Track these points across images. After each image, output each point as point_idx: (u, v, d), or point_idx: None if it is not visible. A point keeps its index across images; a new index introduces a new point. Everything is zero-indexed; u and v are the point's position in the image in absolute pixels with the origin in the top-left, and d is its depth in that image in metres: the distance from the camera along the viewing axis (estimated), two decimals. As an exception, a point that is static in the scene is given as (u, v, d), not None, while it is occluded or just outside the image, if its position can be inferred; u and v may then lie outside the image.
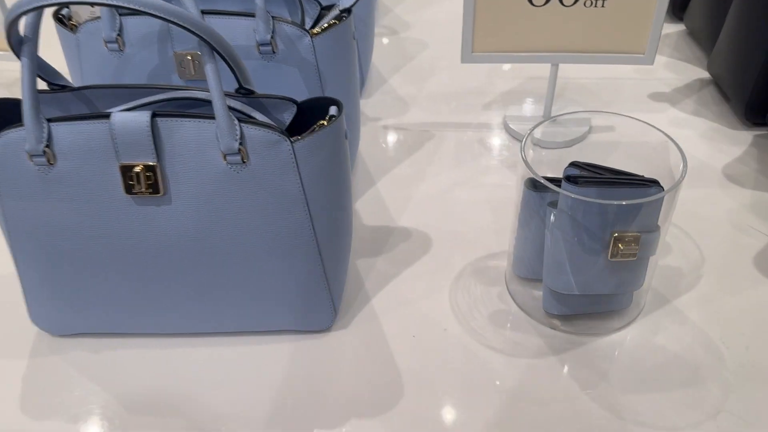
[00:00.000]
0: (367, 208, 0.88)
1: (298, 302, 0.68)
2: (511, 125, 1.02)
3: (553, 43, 0.92)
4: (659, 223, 0.64)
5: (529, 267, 0.74)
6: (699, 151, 0.96)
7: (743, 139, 0.98)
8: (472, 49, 0.94)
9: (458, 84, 1.15)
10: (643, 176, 0.68)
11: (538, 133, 0.75)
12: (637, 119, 0.70)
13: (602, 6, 0.88)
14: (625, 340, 0.69)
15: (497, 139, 1.01)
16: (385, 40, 1.30)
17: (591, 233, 0.64)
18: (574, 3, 0.88)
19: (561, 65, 0.97)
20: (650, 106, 1.07)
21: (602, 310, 0.71)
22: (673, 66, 1.17)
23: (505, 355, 0.68)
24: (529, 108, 1.06)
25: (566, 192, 0.62)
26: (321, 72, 0.78)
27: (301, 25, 0.77)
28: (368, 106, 1.08)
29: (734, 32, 1.00)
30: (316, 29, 0.77)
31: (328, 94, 0.79)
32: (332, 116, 0.61)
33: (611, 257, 0.64)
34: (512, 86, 1.14)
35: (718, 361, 0.66)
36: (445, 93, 1.13)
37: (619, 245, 0.63)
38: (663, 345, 0.69)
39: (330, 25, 0.77)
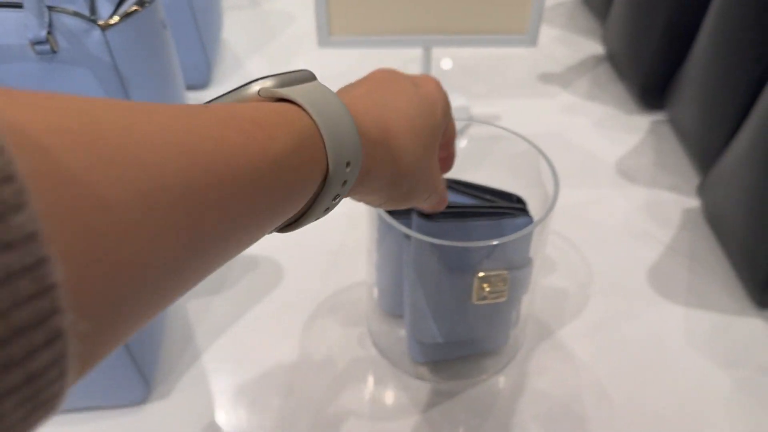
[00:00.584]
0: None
1: (99, 375, 0.54)
2: (383, 117, 0.88)
3: (423, 25, 0.79)
4: (531, 254, 0.53)
5: (393, 301, 0.62)
6: (591, 142, 0.86)
7: (640, 125, 0.88)
8: (330, 32, 0.79)
9: (328, 68, 1.00)
10: (511, 196, 0.56)
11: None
12: (506, 129, 0.57)
13: (475, -20, 0.75)
14: (503, 387, 0.59)
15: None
16: (244, 13, 1.13)
17: (452, 274, 0.52)
18: (444, -23, 0.75)
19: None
20: (540, 90, 0.95)
21: (475, 351, 0.60)
22: (566, 40, 1.06)
23: (363, 420, 0.56)
24: (404, 96, 0.92)
25: (416, 234, 0.49)
26: (120, 72, 0.62)
27: (90, 16, 0.60)
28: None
29: (628, 3, 0.89)
30: (111, 19, 0.60)
31: (135, 98, 0.63)
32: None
33: (477, 300, 0.52)
34: (389, 68, 1.00)
35: (608, 409, 0.57)
36: (311, 78, 0.98)
37: (485, 286, 0.51)
38: (545, 390, 0.59)
39: (127, 14, 0.61)
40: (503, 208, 0.54)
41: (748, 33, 0.68)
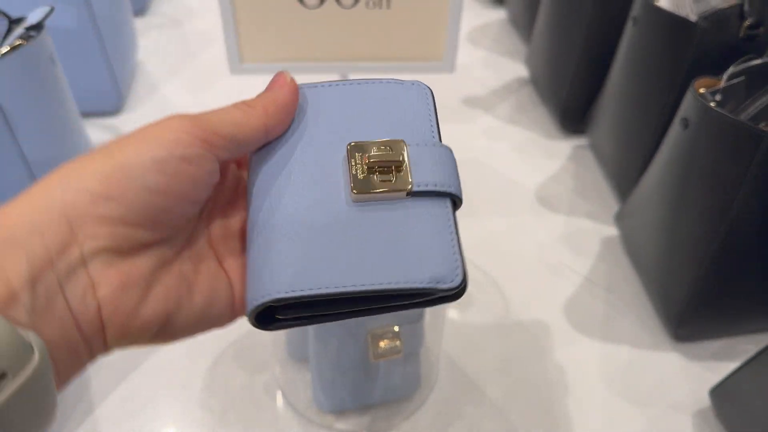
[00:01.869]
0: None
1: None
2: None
3: (338, 51, 0.76)
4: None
5: (299, 346, 0.59)
6: (511, 168, 0.85)
7: (560, 150, 0.88)
8: (240, 59, 0.76)
9: (247, 92, 0.96)
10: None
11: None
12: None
13: (387, 8, 0.72)
14: (413, 436, 0.56)
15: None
16: (164, 33, 1.09)
17: (347, 334, 0.50)
18: (355, 4, 0.72)
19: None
20: (463, 115, 0.94)
21: (386, 399, 0.58)
22: (491, 62, 1.05)
23: (263, 476, 0.53)
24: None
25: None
26: (5, 109, 0.58)
27: (-35, 50, 0.56)
28: (130, 123, 0.88)
29: (547, 26, 0.89)
30: (-8, 53, 0.56)
31: (21, 137, 0.59)
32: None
33: (374, 358, 0.50)
34: (310, 92, 0.97)
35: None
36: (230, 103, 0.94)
37: (380, 343, 0.49)
38: (457, 436, 0.56)
39: (12, 48, 0.57)
40: None
41: (659, 61, 0.68)
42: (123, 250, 0.26)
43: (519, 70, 1.03)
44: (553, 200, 0.80)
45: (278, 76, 0.33)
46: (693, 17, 0.64)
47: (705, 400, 0.59)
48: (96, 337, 0.26)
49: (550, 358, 0.63)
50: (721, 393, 0.57)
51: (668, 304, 0.64)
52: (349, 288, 0.27)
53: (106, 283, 0.26)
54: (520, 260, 0.72)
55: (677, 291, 0.62)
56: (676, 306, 0.62)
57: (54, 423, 0.25)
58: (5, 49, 0.57)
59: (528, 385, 0.60)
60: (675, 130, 0.60)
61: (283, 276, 0.27)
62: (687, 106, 0.58)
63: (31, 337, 0.23)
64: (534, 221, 0.77)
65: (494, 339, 0.64)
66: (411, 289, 0.27)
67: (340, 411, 0.57)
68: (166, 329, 0.28)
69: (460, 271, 0.27)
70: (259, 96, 0.32)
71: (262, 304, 0.27)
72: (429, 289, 0.27)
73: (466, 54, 1.04)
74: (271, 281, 0.27)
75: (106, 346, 0.27)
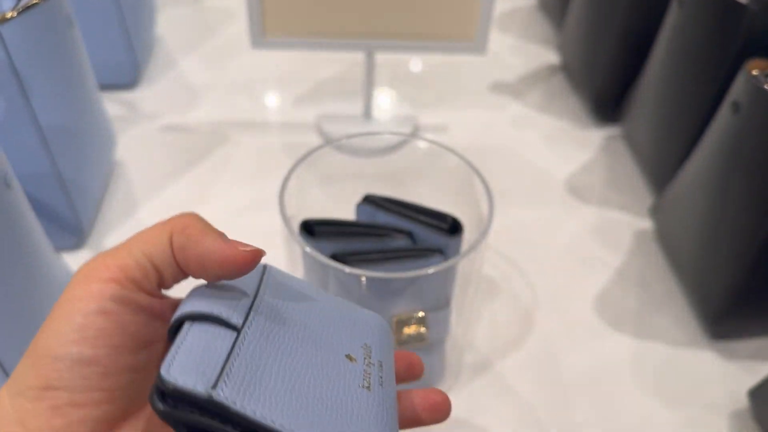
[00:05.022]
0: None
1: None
2: (324, 126, 0.83)
3: (365, 28, 0.73)
4: (456, 291, 0.49)
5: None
6: (542, 157, 0.81)
7: (593, 140, 0.84)
8: (264, 32, 0.73)
9: (266, 69, 0.94)
10: (446, 217, 0.51)
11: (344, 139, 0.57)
12: (441, 146, 0.52)
13: (419, -18, 0.70)
14: (435, 427, 0.54)
15: (309, 145, 0.82)
16: (182, 9, 1.06)
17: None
18: (385, -23, 0.69)
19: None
20: (491, 101, 0.91)
21: (409, 387, 0.55)
22: (521, 49, 1.02)
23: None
24: (346, 105, 0.87)
25: (332, 263, 0.44)
26: (18, 72, 0.55)
27: (-20, 7, 0.54)
28: (146, 98, 0.85)
29: (583, 10, 0.86)
30: (8, 13, 0.54)
31: (36, 102, 0.57)
32: None
33: (398, 345, 0.47)
34: (332, 73, 0.94)
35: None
36: (248, 81, 0.91)
37: (405, 330, 0.47)
38: (481, 429, 0.54)
39: (27, 6, 0.54)
40: (418, 249, 0.49)
41: (705, 49, 0.64)
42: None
43: (550, 56, 1.00)
44: (585, 191, 0.77)
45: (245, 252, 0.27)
46: (743, -1, 0.61)
47: (742, 401, 0.56)
48: None
49: (579, 353, 0.60)
50: (760, 394, 0.54)
51: (705, 300, 0.60)
52: None
53: None
54: (550, 252, 0.69)
55: (716, 287, 0.59)
56: (714, 302, 0.59)
57: None
58: (18, 9, 0.54)
59: (556, 379, 0.57)
60: (723, 115, 0.57)
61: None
62: (739, 89, 0.54)
63: None
64: (564, 212, 0.74)
65: (522, 331, 0.61)
66: None
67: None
68: None
69: None
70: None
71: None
72: None
73: (495, 40, 1.01)
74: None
75: None
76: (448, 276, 0.47)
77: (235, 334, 0.25)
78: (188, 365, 0.23)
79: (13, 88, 0.55)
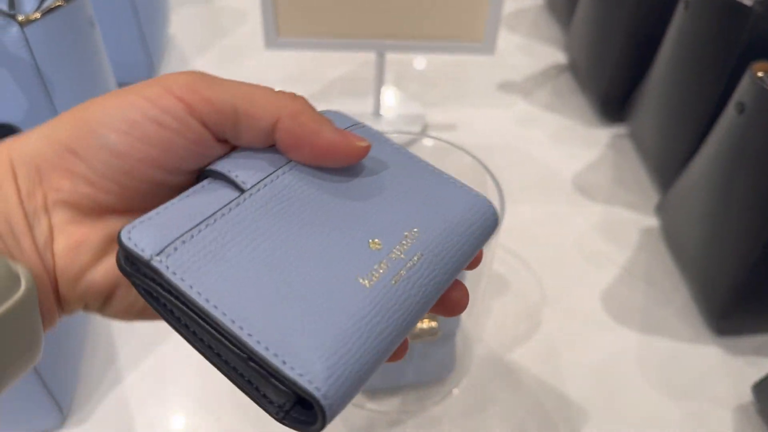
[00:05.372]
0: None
1: (7, 400, 0.49)
2: (334, 124, 0.84)
3: (376, 29, 0.75)
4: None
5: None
6: (549, 155, 0.83)
7: (600, 138, 0.86)
8: (277, 33, 0.75)
9: (278, 70, 0.95)
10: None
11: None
12: (450, 144, 0.54)
13: (429, -16, 0.71)
14: (445, 418, 0.55)
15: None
16: (195, 9, 1.07)
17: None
18: (396, -21, 0.71)
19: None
20: (499, 99, 0.92)
21: (418, 380, 0.57)
22: (528, 48, 1.03)
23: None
24: (356, 104, 0.88)
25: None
26: (42, 72, 0.57)
27: (8, 10, 0.55)
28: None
29: (590, 10, 0.87)
30: (32, 15, 0.55)
31: (58, 101, 0.58)
32: None
33: (410, 339, 0.49)
34: (342, 72, 0.96)
35: (554, 447, 0.53)
36: (259, 81, 0.92)
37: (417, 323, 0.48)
38: (489, 421, 0.55)
39: (50, 9, 0.56)
40: None
41: (710, 50, 0.66)
42: (84, 210, 0.25)
43: (557, 56, 1.01)
44: (591, 189, 0.78)
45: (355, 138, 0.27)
46: (748, 1, 0.62)
47: (746, 396, 0.57)
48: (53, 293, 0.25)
49: (586, 347, 0.61)
50: (764, 389, 0.55)
51: (710, 296, 0.62)
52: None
53: (63, 237, 0.24)
54: (557, 249, 0.71)
55: (720, 283, 0.60)
56: (718, 298, 0.60)
57: (37, 361, 0.24)
58: (41, 12, 0.56)
59: (564, 373, 0.59)
60: (728, 115, 0.58)
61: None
62: (743, 90, 0.56)
63: (20, 268, 0.22)
64: (571, 210, 0.75)
65: (530, 325, 0.63)
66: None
67: (371, 391, 0.56)
68: (112, 303, 0.26)
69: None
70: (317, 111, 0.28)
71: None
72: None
73: (503, 39, 1.02)
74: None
75: (60, 306, 0.26)
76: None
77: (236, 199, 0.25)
78: (155, 226, 0.23)
79: (36, 87, 0.57)
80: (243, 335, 0.21)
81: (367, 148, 0.27)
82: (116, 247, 0.25)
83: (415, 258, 0.25)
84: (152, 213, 0.24)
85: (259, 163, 0.26)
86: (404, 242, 0.25)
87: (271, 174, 0.26)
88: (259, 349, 0.21)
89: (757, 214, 0.56)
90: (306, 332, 0.21)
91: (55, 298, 0.25)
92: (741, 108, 0.56)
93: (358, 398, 0.56)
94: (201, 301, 0.21)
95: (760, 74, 0.54)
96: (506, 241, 0.70)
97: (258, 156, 0.26)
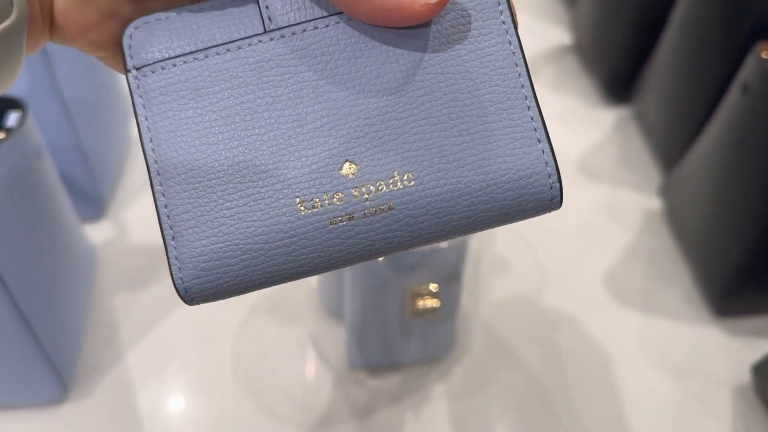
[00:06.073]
0: (138, 222, 0.69)
1: (7, 373, 0.50)
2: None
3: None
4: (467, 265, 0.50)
5: (334, 300, 0.58)
6: (553, 136, 0.81)
7: (604, 120, 0.85)
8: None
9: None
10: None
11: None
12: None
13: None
14: (445, 395, 0.56)
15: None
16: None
17: (385, 287, 0.49)
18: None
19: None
20: (504, 78, 0.91)
21: (420, 357, 0.57)
22: (533, 28, 1.02)
23: (290, 425, 0.53)
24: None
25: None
26: (45, 48, 0.56)
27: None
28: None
29: (597, -8, 0.86)
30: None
31: (61, 76, 0.58)
32: (9, 129, 0.43)
33: (412, 317, 0.49)
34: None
35: (553, 420, 0.54)
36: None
37: (418, 301, 0.48)
38: (489, 399, 0.56)
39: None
40: None
41: (716, 31, 0.65)
42: None
43: (562, 36, 1.00)
44: (595, 170, 0.78)
45: None
46: (756, -19, 0.61)
47: (745, 377, 0.57)
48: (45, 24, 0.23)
49: (587, 327, 0.61)
50: (764, 369, 0.55)
51: (712, 277, 0.62)
52: None
53: None
54: (560, 229, 0.71)
55: (722, 265, 0.60)
56: (720, 280, 0.61)
57: (12, 83, 0.23)
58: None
59: (564, 353, 0.59)
60: (733, 96, 0.58)
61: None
62: (748, 71, 0.55)
63: None
64: (575, 191, 0.75)
65: (531, 306, 0.63)
66: None
67: (372, 367, 0.57)
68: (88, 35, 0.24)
69: None
70: None
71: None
72: None
73: (508, 19, 1.01)
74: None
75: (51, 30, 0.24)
76: (460, 250, 0.49)
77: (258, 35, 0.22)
78: (156, 35, 0.22)
79: (39, 63, 0.57)
80: (156, 190, 0.21)
81: (430, 10, 0.21)
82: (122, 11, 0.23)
83: (383, 207, 0.21)
84: (167, 14, 0.22)
85: (301, 1, 0.22)
86: (384, 183, 0.21)
87: (304, 22, 0.22)
88: (162, 212, 0.21)
89: (761, 195, 0.56)
90: (210, 222, 0.21)
91: (48, 23, 0.23)
92: (746, 89, 0.55)
93: (359, 375, 0.56)
94: (144, 135, 0.21)
95: (765, 55, 0.54)
96: (509, 221, 0.70)
97: None
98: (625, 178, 0.77)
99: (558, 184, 0.21)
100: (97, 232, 0.67)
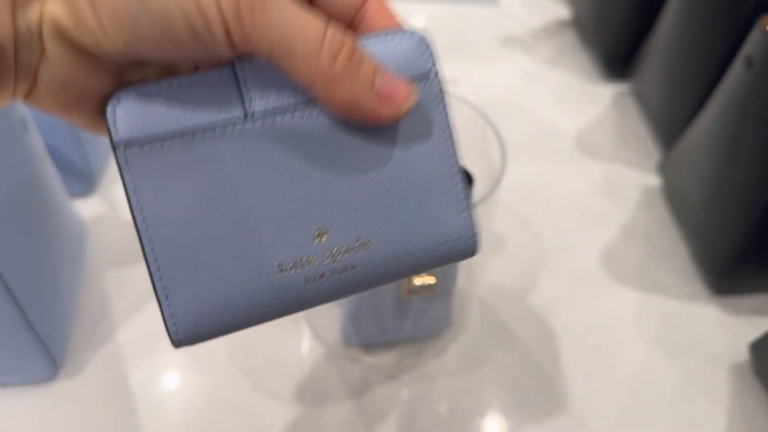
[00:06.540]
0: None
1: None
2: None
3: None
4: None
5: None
6: (551, 113, 0.81)
7: (603, 96, 0.84)
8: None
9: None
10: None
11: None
12: (456, 98, 0.53)
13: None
14: (441, 373, 0.55)
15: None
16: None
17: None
18: (398, -75, 0.68)
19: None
20: (499, 54, 0.90)
21: (416, 335, 0.56)
22: (531, 2, 1.01)
23: (285, 403, 0.52)
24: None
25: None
26: None
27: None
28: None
29: (597, -34, 0.84)
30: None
31: None
32: None
33: (407, 295, 0.48)
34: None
35: (551, 398, 0.53)
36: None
37: (413, 279, 0.47)
38: (486, 377, 0.55)
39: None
40: None
41: (718, 5, 0.64)
42: (82, 48, 0.23)
43: (561, 11, 0.99)
44: (593, 147, 0.77)
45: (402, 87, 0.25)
46: (761, -47, 0.60)
47: (742, 355, 0.57)
48: (23, 80, 0.23)
49: (584, 306, 0.61)
50: (761, 347, 0.55)
51: (710, 255, 0.61)
52: None
53: (55, 56, 0.23)
54: (557, 207, 0.70)
55: (721, 242, 0.60)
56: (718, 258, 0.60)
57: None
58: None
59: (561, 332, 0.59)
60: (735, 70, 0.57)
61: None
62: (752, 45, 0.54)
63: None
64: (572, 168, 0.74)
65: (529, 285, 0.62)
66: None
67: (367, 345, 0.56)
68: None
69: None
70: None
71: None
72: None
73: (506, -7, 1.00)
74: None
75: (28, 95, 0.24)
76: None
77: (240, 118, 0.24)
78: (141, 109, 0.23)
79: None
80: (149, 256, 0.24)
81: (397, 118, 0.25)
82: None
83: (348, 266, 0.26)
84: (148, 88, 0.23)
85: (279, 86, 0.24)
86: (348, 247, 0.26)
87: (283, 107, 0.25)
88: (155, 276, 0.24)
89: (762, 172, 0.55)
90: (201, 284, 0.24)
91: (24, 89, 0.23)
92: (749, 63, 0.54)
93: (353, 352, 0.56)
94: (135, 206, 0.23)
95: (770, 28, 0.53)
96: (506, 198, 0.69)
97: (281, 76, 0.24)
98: (623, 155, 0.76)
99: (476, 240, 0.28)
100: (87, 207, 0.66)
